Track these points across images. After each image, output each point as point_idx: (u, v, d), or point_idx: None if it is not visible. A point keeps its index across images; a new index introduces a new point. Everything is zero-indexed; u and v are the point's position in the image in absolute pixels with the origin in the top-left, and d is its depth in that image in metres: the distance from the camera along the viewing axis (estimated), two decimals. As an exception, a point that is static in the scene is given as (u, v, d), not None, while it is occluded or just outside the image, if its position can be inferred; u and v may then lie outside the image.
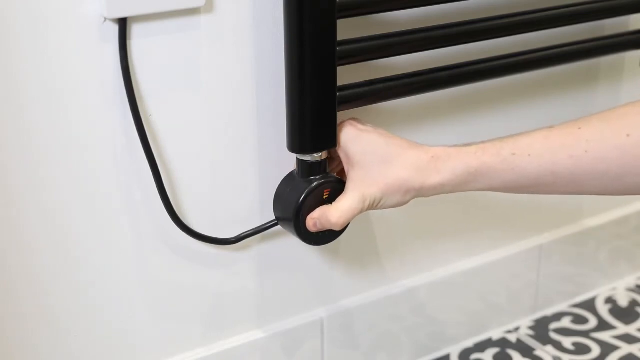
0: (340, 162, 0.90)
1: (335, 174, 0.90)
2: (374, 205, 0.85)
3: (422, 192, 0.84)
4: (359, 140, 0.85)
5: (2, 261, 0.81)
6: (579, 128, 0.79)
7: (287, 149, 0.87)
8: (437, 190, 0.84)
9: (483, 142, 0.84)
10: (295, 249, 0.98)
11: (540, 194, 0.84)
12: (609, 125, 0.78)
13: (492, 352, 1.14)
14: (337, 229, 0.86)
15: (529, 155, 0.80)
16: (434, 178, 0.83)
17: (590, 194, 0.82)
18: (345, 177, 0.88)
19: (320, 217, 0.86)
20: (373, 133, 0.86)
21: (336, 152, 0.88)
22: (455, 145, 0.85)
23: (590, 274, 1.26)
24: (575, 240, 1.22)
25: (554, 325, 1.20)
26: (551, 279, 1.21)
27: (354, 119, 0.88)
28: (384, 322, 1.07)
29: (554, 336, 1.18)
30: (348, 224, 0.87)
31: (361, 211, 0.85)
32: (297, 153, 0.87)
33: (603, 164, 0.78)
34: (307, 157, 0.87)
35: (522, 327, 1.19)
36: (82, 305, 0.87)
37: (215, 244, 0.91)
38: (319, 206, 0.87)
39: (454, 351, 1.14)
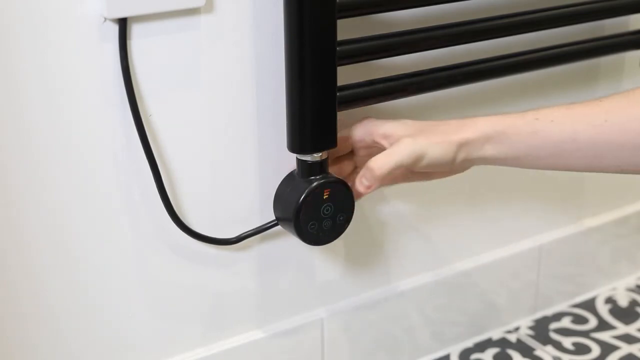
0: (350, 169, 0.91)
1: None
2: (419, 156, 0.84)
3: (460, 145, 0.85)
4: (391, 123, 0.87)
5: (2, 261, 0.81)
6: (600, 101, 0.83)
7: (287, 149, 0.87)
8: (469, 146, 0.85)
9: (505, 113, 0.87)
10: (295, 249, 0.98)
11: (559, 167, 0.86)
12: (629, 98, 0.82)
13: (492, 352, 1.14)
14: (378, 177, 0.84)
15: (552, 121, 0.83)
16: (465, 133, 0.85)
17: (609, 170, 0.84)
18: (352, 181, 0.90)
19: (364, 172, 0.85)
20: (398, 120, 0.88)
21: (358, 139, 0.88)
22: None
23: (590, 274, 1.26)
24: (575, 240, 1.22)
25: (554, 325, 1.20)
26: (551, 279, 1.21)
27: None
28: (384, 322, 1.07)
29: (554, 336, 1.18)
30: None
31: (405, 161, 0.84)
32: (297, 153, 0.87)
33: (622, 135, 0.80)
34: (307, 157, 0.87)
35: (522, 327, 1.19)
36: (82, 305, 0.87)
37: (215, 244, 0.91)
38: (318, 206, 0.87)
39: (454, 351, 1.14)
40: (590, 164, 0.84)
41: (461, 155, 0.85)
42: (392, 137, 0.86)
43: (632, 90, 0.83)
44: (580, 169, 0.85)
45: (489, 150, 0.85)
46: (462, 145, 0.85)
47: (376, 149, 0.88)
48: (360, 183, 0.86)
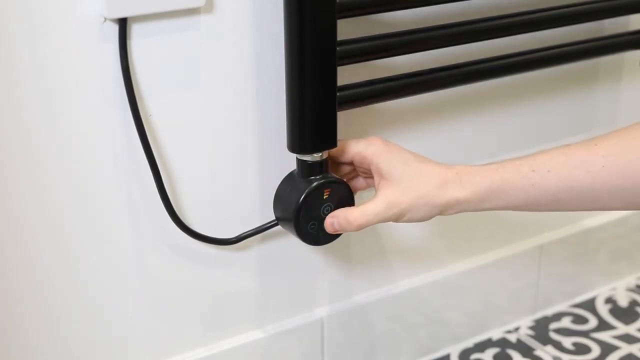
0: (349, 173, 0.91)
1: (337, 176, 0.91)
2: (399, 216, 0.85)
3: (446, 208, 0.85)
4: (392, 154, 0.86)
5: (2, 261, 0.81)
6: (595, 144, 0.81)
7: (287, 149, 0.87)
8: (461, 206, 0.85)
9: (502, 161, 0.85)
10: (295, 249, 0.98)
11: (559, 210, 0.86)
12: (624, 141, 0.81)
13: (492, 352, 1.14)
14: (354, 230, 0.85)
15: (548, 171, 0.82)
16: (459, 193, 0.84)
17: (609, 209, 0.84)
18: (356, 184, 0.91)
19: (339, 216, 0.86)
20: (402, 150, 0.87)
21: (346, 157, 0.88)
22: (475, 165, 0.86)
23: (590, 274, 1.26)
24: (575, 240, 1.22)
25: (554, 325, 1.20)
26: (551, 279, 1.21)
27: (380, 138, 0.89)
28: (384, 322, 1.07)
29: (554, 336, 1.18)
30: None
31: (385, 219, 0.85)
32: (297, 153, 0.87)
33: (620, 179, 0.80)
34: (307, 157, 0.87)
35: (522, 327, 1.19)
36: (82, 305, 0.87)
37: (215, 244, 0.91)
38: (318, 206, 0.87)
39: (454, 351, 1.14)
40: (590, 206, 0.83)
41: (450, 211, 0.86)
42: (385, 177, 0.85)
43: (627, 129, 0.82)
44: (579, 210, 0.85)
45: (485, 206, 0.85)
46: (452, 205, 0.85)
47: (371, 173, 0.88)
48: (330, 224, 0.87)
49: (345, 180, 0.90)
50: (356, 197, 0.91)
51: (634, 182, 0.79)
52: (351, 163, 0.90)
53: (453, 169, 0.85)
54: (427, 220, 0.86)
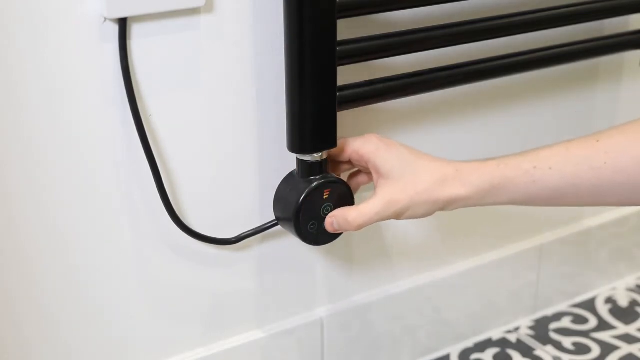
0: (348, 167, 0.91)
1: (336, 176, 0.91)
2: (399, 214, 0.85)
3: (447, 204, 0.85)
4: (389, 151, 0.86)
5: (2, 261, 0.81)
6: (597, 141, 0.81)
7: (287, 149, 0.87)
8: (462, 202, 0.85)
9: (503, 156, 0.85)
10: (295, 249, 0.98)
11: (561, 206, 0.86)
12: (626, 137, 0.80)
13: (492, 352, 1.14)
14: (353, 229, 0.85)
15: (550, 168, 0.82)
16: (459, 190, 0.84)
17: (611, 205, 0.84)
18: (354, 182, 0.91)
19: (338, 216, 0.86)
20: (400, 146, 0.87)
21: (344, 156, 0.88)
22: (476, 160, 0.86)
23: (590, 274, 1.26)
24: (575, 240, 1.22)
25: (554, 325, 1.20)
26: (551, 279, 1.21)
27: (377, 135, 0.89)
28: (384, 322, 1.07)
29: (554, 336, 1.18)
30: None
31: (384, 217, 0.85)
32: (297, 153, 0.87)
33: (622, 175, 0.79)
34: (307, 157, 0.87)
35: (522, 327, 1.19)
36: (82, 306, 0.87)
37: (215, 244, 0.91)
38: (318, 206, 0.87)
39: (454, 351, 1.14)
40: (593, 202, 0.83)
41: (451, 207, 0.86)
42: (383, 175, 0.85)
43: (629, 124, 0.82)
44: (580, 206, 0.85)
45: (486, 202, 0.85)
46: (452, 202, 0.85)
47: (369, 170, 0.88)
48: (330, 223, 0.87)
49: (347, 176, 0.90)
50: (359, 192, 0.91)
51: (636, 179, 0.79)
52: (349, 161, 0.90)
53: (452, 165, 0.85)
54: (428, 216, 0.86)
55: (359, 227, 0.85)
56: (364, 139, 0.87)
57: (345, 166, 0.91)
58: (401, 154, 0.86)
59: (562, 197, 0.83)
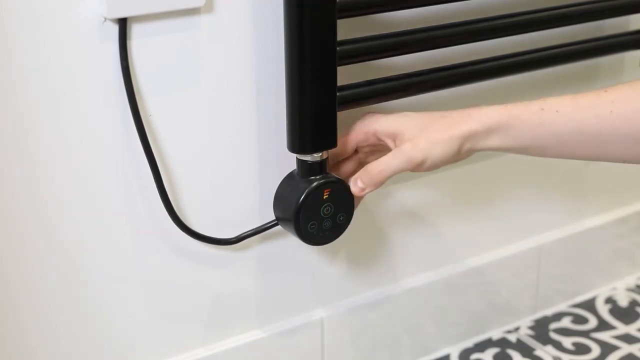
0: (350, 166, 0.91)
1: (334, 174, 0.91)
2: (422, 159, 0.84)
3: (462, 140, 0.85)
4: (396, 118, 0.87)
5: (2, 261, 0.81)
6: (605, 91, 0.82)
7: (287, 149, 0.87)
8: (473, 139, 0.85)
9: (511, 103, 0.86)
10: (295, 249, 0.98)
11: (565, 157, 0.86)
12: (634, 89, 0.81)
13: (492, 352, 1.14)
14: (378, 182, 0.85)
15: (557, 111, 0.83)
16: (470, 125, 0.85)
17: (613, 160, 0.84)
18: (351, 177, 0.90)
19: (361, 174, 0.86)
20: (401, 112, 0.88)
21: (350, 145, 0.88)
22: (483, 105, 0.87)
23: (590, 274, 1.26)
24: (575, 240, 1.22)
25: (554, 325, 1.20)
26: (551, 279, 1.21)
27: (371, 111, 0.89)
28: (384, 322, 1.07)
29: (554, 336, 1.18)
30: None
31: (405, 165, 0.84)
32: (297, 153, 0.87)
33: (627, 126, 0.80)
34: (307, 157, 0.87)
35: (522, 327, 1.19)
36: (82, 306, 0.87)
37: (215, 244, 0.91)
38: (318, 206, 0.87)
39: (454, 351, 1.14)
40: (595, 153, 0.84)
41: (465, 147, 0.86)
42: (397, 136, 0.86)
43: (638, 80, 0.83)
44: (584, 158, 0.86)
45: (493, 141, 0.85)
46: (466, 138, 0.85)
47: (381, 145, 0.88)
48: (354, 184, 0.86)
49: (350, 175, 0.90)
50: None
51: None
52: (353, 159, 0.90)
53: (460, 111, 0.86)
54: (449, 158, 0.86)
55: (383, 180, 0.85)
56: (363, 117, 0.88)
57: (349, 165, 0.91)
58: (406, 116, 0.87)
59: (566, 145, 0.84)
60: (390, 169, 0.85)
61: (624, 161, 0.84)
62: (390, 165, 0.85)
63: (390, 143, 0.87)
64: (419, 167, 0.85)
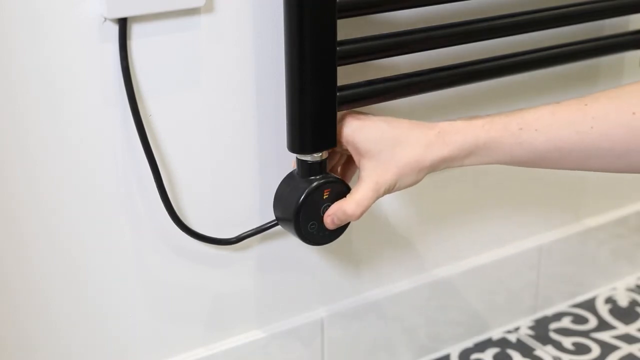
0: (340, 158, 0.91)
1: (338, 170, 0.91)
2: (389, 190, 0.85)
3: (432, 168, 0.85)
4: (364, 129, 0.85)
5: (2, 261, 0.81)
6: (585, 104, 0.81)
7: (287, 149, 0.87)
8: (447, 163, 0.85)
9: (490, 115, 0.85)
10: (295, 249, 0.98)
11: (546, 168, 0.85)
12: (615, 103, 0.80)
13: (492, 352, 1.14)
14: (355, 219, 0.86)
15: (536, 130, 0.82)
16: (442, 151, 0.84)
17: (594, 171, 0.83)
18: (346, 173, 0.91)
19: (337, 212, 0.86)
20: (376, 120, 0.86)
21: (338, 147, 0.88)
22: (461, 119, 0.86)
23: (590, 274, 1.26)
24: (575, 240, 1.22)
25: (554, 325, 1.20)
26: (551, 279, 1.21)
27: (353, 111, 0.88)
28: (384, 322, 1.07)
29: (554, 336, 1.18)
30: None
31: (377, 198, 0.85)
32: (297, 153, 0.87)
33: (608, 141, 0.79)
34: (307, 157, 0.87)
35: (522, 327, 1.19)
36: (82, 306, 0.87)
37: (215, 244, 0.91)
38: (318, 206, 0.87)
39: (454, 351, 1.14)
40: (577, 166, 0.83)
41: (439, 168, 0.85)
42: (363, 157, 0.85)
43: (618, 89, 0.81)
44: (564, 169, 0.85)
45: (470, 161, 0.85)
46: (438, 165, 0.85)
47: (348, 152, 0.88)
48: (330, 221, 0.87)
49: (340, 169, 0.90)
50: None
51: (621, 145, 0.79)
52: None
53: (435, 128, 0.85)
54: (418, 182, 0.86)
55: (359, 216, 0.85)
56: (344, 119, 0.87)
57: (335, 158, 0.91)
58: (379, 129, 0.85)
59: (546, 160, 0.83)
60: (365, 210, 0.85)
61: (604, 171, 0.83)
62: (366, 206, 0.85)
63: (356, 158, 0.86)
64: (389, 193, 0.86)
